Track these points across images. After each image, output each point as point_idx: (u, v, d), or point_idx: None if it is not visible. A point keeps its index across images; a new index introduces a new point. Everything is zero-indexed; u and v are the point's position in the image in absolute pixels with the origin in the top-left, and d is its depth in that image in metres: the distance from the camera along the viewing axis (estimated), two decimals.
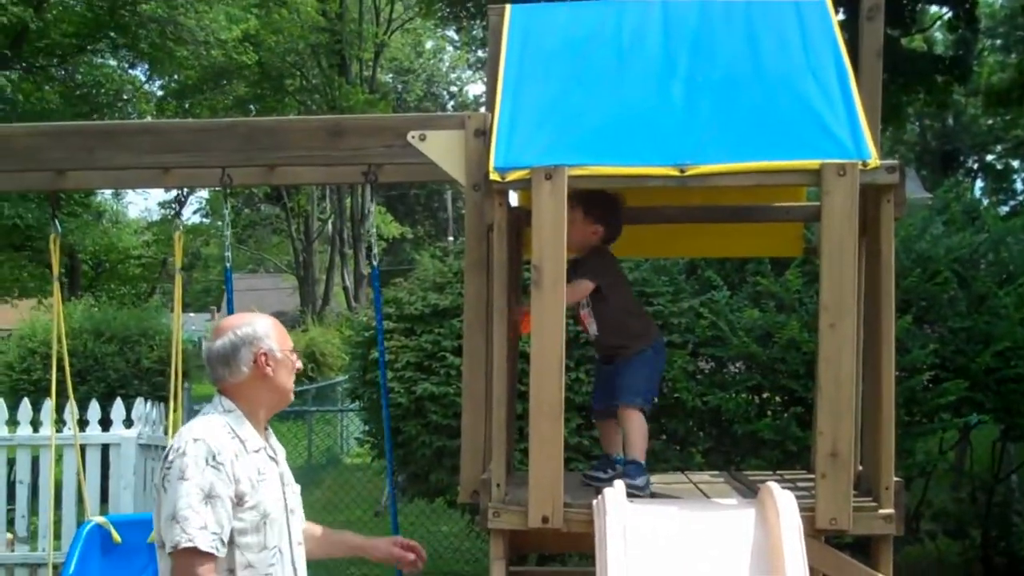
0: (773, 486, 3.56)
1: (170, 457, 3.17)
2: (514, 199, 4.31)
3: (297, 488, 3.49)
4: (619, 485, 3.65)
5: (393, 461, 4.69)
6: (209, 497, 3.09)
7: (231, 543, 3.14)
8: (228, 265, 4.96)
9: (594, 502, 3.60)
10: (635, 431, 4.02)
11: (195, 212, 44.37)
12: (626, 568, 3.25)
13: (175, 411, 5.52)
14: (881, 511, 3.72)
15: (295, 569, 3.35)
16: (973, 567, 9.34)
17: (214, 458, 3.12)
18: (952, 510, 9.36)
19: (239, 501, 3.15)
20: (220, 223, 38.02)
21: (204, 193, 41.40)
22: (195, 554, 3.05)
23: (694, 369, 8.13)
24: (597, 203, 4.07)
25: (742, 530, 3.49)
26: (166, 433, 5.83)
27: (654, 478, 4.58)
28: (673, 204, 4.49)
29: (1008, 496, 9.69)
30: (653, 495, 4.04)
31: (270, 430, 3.46)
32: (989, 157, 42.98)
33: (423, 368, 8.10)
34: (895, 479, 3.78)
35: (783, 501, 3.44)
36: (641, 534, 3.43)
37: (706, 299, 8.13)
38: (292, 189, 39.02)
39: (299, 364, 3.47)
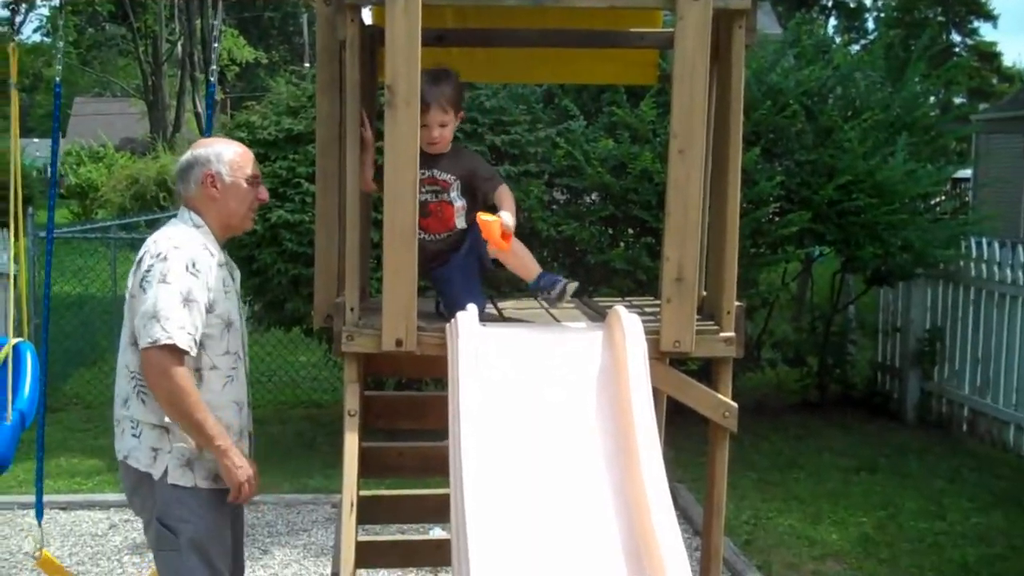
0: (620, 310, 3.63)
1: (149, 262, 3.46)
2: (368, 17, 4.18)
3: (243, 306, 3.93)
4: (472, 308, 3.67)
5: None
6: (188, 301, 3.41)
7: (200, 345, 3.47)
8: (58, 79, 4.71)
9: (447, 325, 3.62)
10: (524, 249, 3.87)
11: (35, 31, 42.16)
12: (477, 388, 3.30)
13: (17, 239, 5.32)
14: (722, 334, 3.82)
15: (247, 374, 3.76)
16: (809, 393, 9.85)
17: (193, 265, 3.46)
18: (792, 339, 9.79)
19: (210, 308, 3.50)
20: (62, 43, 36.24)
21: (44, 10, 39.25)
22: (173, 350, 3.37)
23: (549, 199, 8.19)
24: (463, 96, 3.98)
25: (590, 352, 3.56)
26: (15, 260, 5.60)
27: (508, 304, 4.63)
28: (530, 27, 4.40)
29: (845, 326, 10.17)
30: (505, 319, 4.09)
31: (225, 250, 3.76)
32: None
33: (277, 195, 7.95)
34: (737, 304, 3.87)
35: (629, 324, 3.52)
36: (492, 356, 3.48)
37: (563, 128, 8.15)
38: (138, 7, 37.26)
39: (264, 195, 3.77)
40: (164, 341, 3.35)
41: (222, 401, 3.59)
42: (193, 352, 3.43)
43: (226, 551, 3.68)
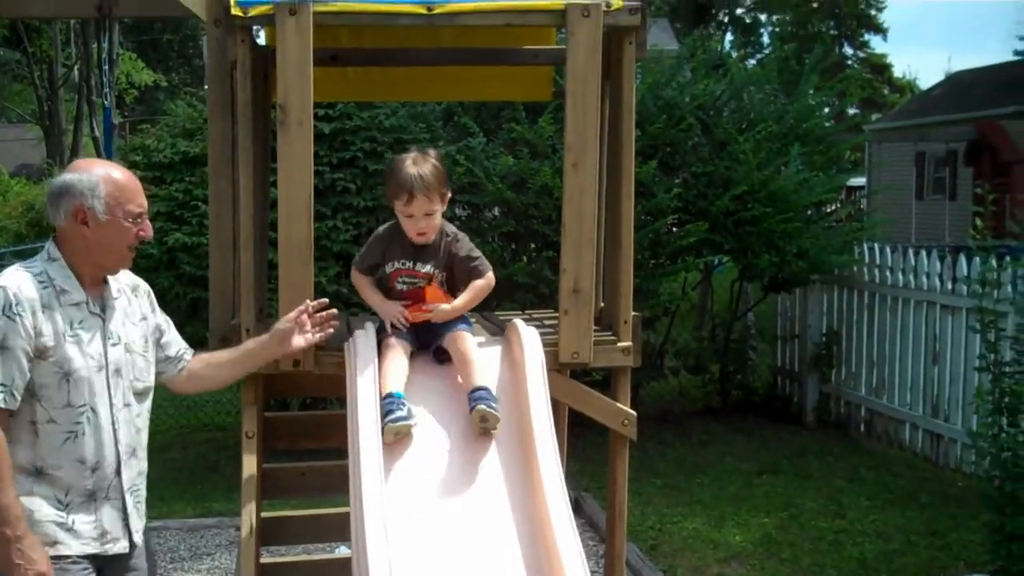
0: (518, 323, 3.68)
1: None
2: (261, 38, 4.18)
3: (143, 344, 3.34)
4: (369, 327, 3.68)
5: None
6: (1, 348, 2.98)
7: (32, 396, 3.03)
8: None
9: (345, 344, 3.62)
10: (480, 354, 3.55)
11: None
12: (375, 405, 3.31)
13: None
14: (620, 344, 3.88)
15: (115, 431, 3.17)
16: (712, 400, 10.00)
17: (11, 308, 2.99)
18: (693, 347, 9.94)
19: (40, 354, 3.03)
20: None
21: None
22: None
23: (451, 216, 8.21)
24: (448, 176, 3.69)
25: (489, 366, 3.59)
26: None
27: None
28: (424, 46, 4.45)
29: (744, 333, 10.35)
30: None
31: (110, 284, 3.25)
32: (739, 11, 44.38)
33: (174, 218, 7.90)
34: (634, 314, 3.94)
35: (527, 337, 3.56)
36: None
37: (463, 145, 8.19)
38: (33, 32, 36.49)
39: (147, 232, 3.24)
40: None
41: (61, 460, 3.07)
42: (9, 405, 2.99)
43: None
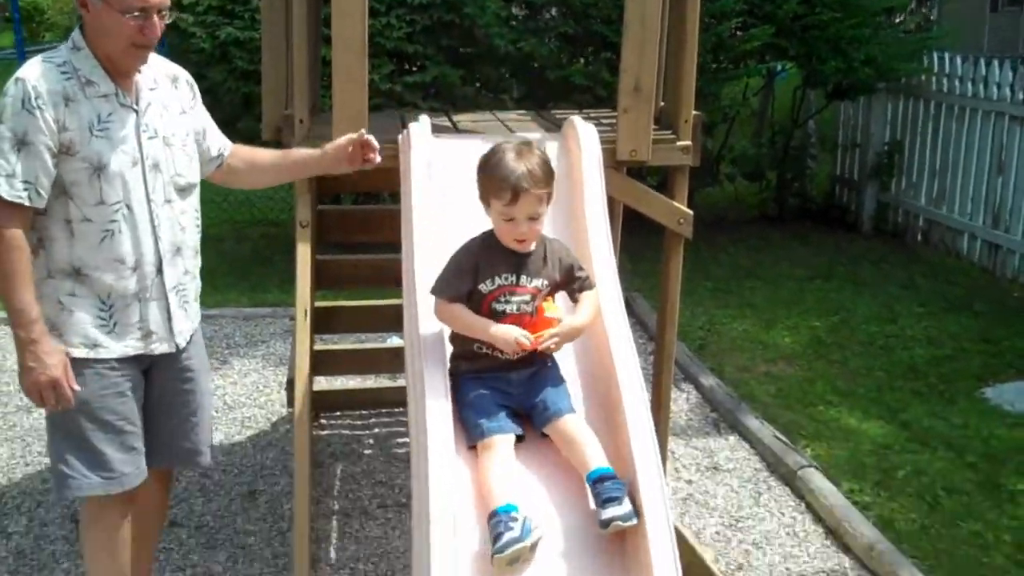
0: (576, 119, 3.61)
1: None
2: None
3: (184, 138, 3.11)
4: (424, 120, 3.63)
5: None
6: (22, 143, 2.80)
7: (64, 194, 2.88)
8: None
9: (399, 136, 3.58)
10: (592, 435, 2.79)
11: None
12: (429, 198, 3.29)
13: None
14: (679, 143, 3.83)
15: (155, 228, 3.00)
16: (768, 207, 9.92)
17: (30, 101, 2.80)
18: (751, 154, 9.79)
19: (67, 150, 2.85)
20: None
21: None
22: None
23: (507, 15, 8.04)
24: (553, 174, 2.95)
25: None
26: None
27: (463, 116, 4.57)
28: None
29: (804, 141, 10.18)
30: (459, 131, 4.06)
31: (145, 72, 3.02)
32: None
33: (226, 12, 7.79)
34: (695, 113, 3.86)
35: (584, 133, 3.50)
36: (444, 165, 3.47)
37: None
38: None
39: (151, 33, 2.90)
40: None
41: (99, 260, 2.95)
42: (35, 203, 2.84)
43: (114, 420, 3.06)
